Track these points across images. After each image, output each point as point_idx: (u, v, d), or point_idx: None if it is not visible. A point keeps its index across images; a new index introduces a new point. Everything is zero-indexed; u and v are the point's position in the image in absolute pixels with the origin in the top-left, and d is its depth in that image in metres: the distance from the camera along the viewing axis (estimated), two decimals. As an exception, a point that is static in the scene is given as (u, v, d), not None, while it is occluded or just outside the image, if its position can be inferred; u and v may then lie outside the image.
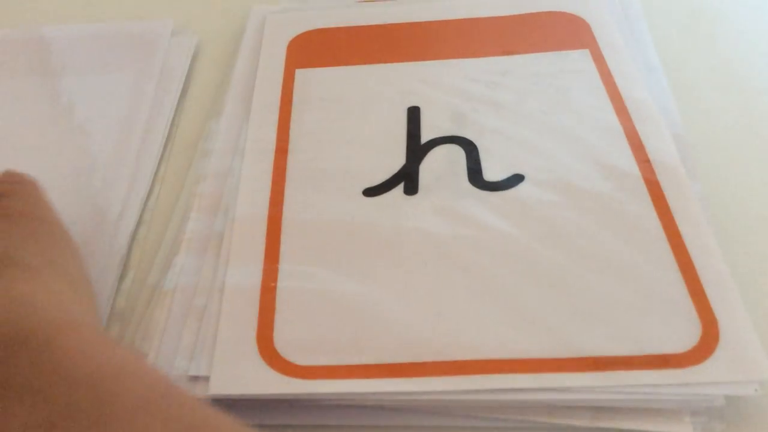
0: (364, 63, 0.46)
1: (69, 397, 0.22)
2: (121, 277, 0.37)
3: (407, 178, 0.39)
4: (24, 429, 0.21)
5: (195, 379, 0.31)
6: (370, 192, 0.38)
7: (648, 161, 0.38)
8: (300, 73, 0.46)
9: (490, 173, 0.39)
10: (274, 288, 0.34)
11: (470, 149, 0.40)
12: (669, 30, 0.50)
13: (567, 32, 0.47)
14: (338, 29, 0.49)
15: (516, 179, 0.38)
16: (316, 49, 0.48)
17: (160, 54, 0.49)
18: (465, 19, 0.49)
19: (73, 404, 0.22)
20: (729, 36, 0.49)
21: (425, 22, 0.49)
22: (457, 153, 0.40)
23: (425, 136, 0.41)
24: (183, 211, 0.40)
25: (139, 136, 0.43)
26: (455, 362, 0.31)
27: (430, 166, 0.39)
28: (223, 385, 0.31)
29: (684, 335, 0.31)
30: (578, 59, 0.45)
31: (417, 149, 0.40)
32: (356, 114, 0.43)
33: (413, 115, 0.43)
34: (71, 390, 0.22)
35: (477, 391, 0.30)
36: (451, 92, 0.44)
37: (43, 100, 0.46)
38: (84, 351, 0.24)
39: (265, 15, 0.51)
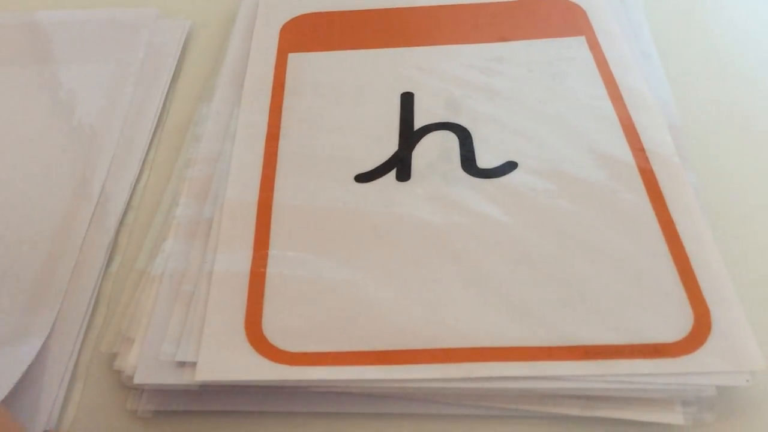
0: (358, 48, 0.46)
1: None
2: (108, 262, 0.37)
3: (400, 165, 0.38)
4: None
5: (182, 365, 0.31)
6: (362, 178, 0.38)
7: (642, 150, 0.38)
8: (293, 58, 0.45)
9: (484, 160, 0.38)
10: (264, 274, 0.34)
11: (464, 136, 0.40)
12: (666, 18, 0.49)
13: (563, 19, 0.46)
14: (332, 13, 0.49)
15: (509, 167, 0.38)
16: (309, 33, 0.47)
17: (143, 42, 0.48)
18: (461, 5, 0.48)
19: None
20: (727, 26, 0.49)
21: (420, 7, 0.49)
22: (451, 140, 0.40)
23: (418, 123, 0.41)
24: (172, 195, 0.39)
25: (128, 121, 0.43)
26: (446, 350, 0.31)
27: (423, 153, 0.39)
28: (211, 371, 0.30)
29: (676, 325, 0.31)
30: (574, 46, 0.44)
31: (410, 135, 0.40)
32: (349, 99, 0.42)
33: (407, 101, 0.42)
34: None
35: (467, 379, 0.30)
36: (446, 78, 0.43)
37: (28, 85, 0.46)
38: None
39: (258, -2, 0.50)
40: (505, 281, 0.33)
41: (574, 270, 0.33)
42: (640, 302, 0.32)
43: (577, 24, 0.46)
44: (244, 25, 0.48)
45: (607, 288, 0.32)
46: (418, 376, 0.30)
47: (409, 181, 0.38)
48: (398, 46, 0.46)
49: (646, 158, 0.37)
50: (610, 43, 0.44)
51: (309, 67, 0.45)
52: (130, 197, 0.40)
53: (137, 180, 0.41)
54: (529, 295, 0.32)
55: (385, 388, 0.30)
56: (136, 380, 0.31)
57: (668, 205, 0.35)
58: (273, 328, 0.32)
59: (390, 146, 0.39)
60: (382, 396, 0.31)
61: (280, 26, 0.48)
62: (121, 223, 0.39)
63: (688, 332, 0.31)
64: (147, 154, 0.42)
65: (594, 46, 0.44)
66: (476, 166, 0.38)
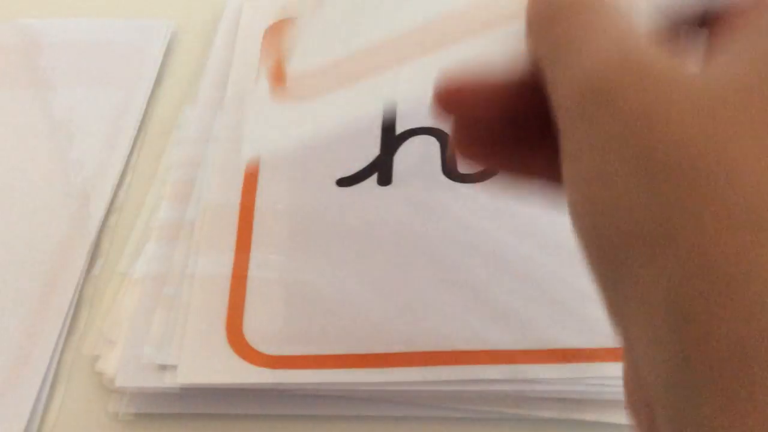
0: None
1: None
2: (90, 264, 0.37)
3: (381, 169, 0.39)
4: None
5: (164, 367, 0.31)
6: (344, 182, 0.38)
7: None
8: (276, 62, 0.45)
9: (465, 165, 0.39)
10: (245, 277, 0.34)
11: (445, 141, 0.40)
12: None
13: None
14: (316, 18, 0.49)
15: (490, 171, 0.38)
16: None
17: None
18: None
19: None
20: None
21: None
22: (432, 144, 0.40)
23: (400, 127, 0.41)
24: (155, 199, 0.39)
25: (112, 124, 0.43)
26: (425, 353, 0.31)
27: (404, 157, 0.39)
28: (192, 375, 0.30)
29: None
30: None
31: (391, 140, 0.40)
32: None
33: (389, 105, 0.42)
34: None
35: (446, 382, 0.30)
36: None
37: (17, 88, 0.45)
38: None
39: (243, 2, 0.50)
40: (484, 285, 0.33)
41: (552, 274, 0.33)
42: (617, 306, 0.32)
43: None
44: (228, 28, 0.48)
45: (585, 291, 0.33)
46: (398, 379, 0.30)
47: (390, 186, 0.38)
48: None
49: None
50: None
51: (292, 70, 0.45)
52: (113, 200, 0.40)
53: (120, 182, 0.41)
54: (508, 299, 0.33)
55: (365, 391, 0.31)
56: (118, 383, 0.31)
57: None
58: (254, 332, 0.32)
59: (372, 150, 0.40)
60: (363, 399, 0.31)
61: (264, 30, 0.48)
62: (104, 225, 0.39)
63: (663, 336, 0.31)
64: (130, 156, 0.42)
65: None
66: (457, 170, 0.38)
